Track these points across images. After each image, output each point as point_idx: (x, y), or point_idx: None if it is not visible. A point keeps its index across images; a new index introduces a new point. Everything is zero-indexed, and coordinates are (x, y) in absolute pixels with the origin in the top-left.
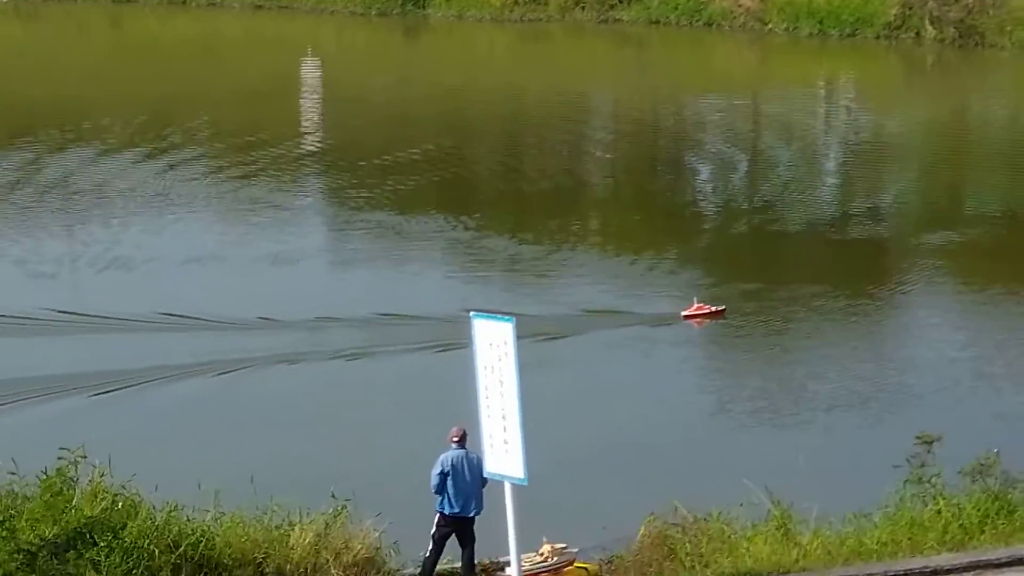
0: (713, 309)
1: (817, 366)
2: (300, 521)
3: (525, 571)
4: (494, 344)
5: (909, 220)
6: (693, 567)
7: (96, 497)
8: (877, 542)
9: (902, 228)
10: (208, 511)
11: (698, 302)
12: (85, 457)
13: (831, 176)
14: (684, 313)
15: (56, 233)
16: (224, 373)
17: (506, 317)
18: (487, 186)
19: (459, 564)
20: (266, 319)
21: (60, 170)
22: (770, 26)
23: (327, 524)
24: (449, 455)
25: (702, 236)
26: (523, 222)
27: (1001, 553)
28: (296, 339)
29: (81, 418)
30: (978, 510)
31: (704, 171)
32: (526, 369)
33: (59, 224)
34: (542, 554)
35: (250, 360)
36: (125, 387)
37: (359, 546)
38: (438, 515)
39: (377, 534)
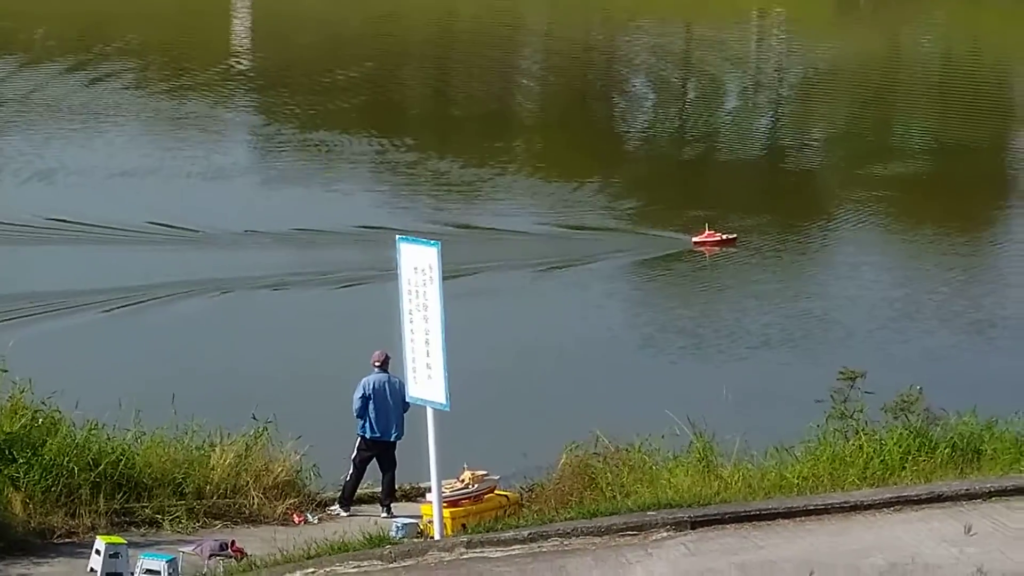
0: (724, 237)
1: (746, 301)
2: (221, 442)
3: (446, 497)
4: (419, 268)
5: (840, 154)
6: (614, 497)
7: (16, 413)
8: (798, 476)
9: (833, 162)
10: (129, 430)
11: (709, 229)
12: (6, 371)
13: (763, 108)
14: (695, 240)
15: None
16: (146, 294)
17: (432, 241)
18: (421, 107)
19: (379, 488)
20: (194, 231)
21: None
22: None
23: (247, 446)
24: (371, 379)
25: (631, 164)
26: (457, 145)
27: (921, 489)
28: (219, 258)
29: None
30: (900, 446)
31: (637, 102)
32: (457, 297)
33: None
34: (463, 480)
35: (174, 283)
36: (47, 308)
37: (279, 468)
38: (359, 439)
39: (298, 457)
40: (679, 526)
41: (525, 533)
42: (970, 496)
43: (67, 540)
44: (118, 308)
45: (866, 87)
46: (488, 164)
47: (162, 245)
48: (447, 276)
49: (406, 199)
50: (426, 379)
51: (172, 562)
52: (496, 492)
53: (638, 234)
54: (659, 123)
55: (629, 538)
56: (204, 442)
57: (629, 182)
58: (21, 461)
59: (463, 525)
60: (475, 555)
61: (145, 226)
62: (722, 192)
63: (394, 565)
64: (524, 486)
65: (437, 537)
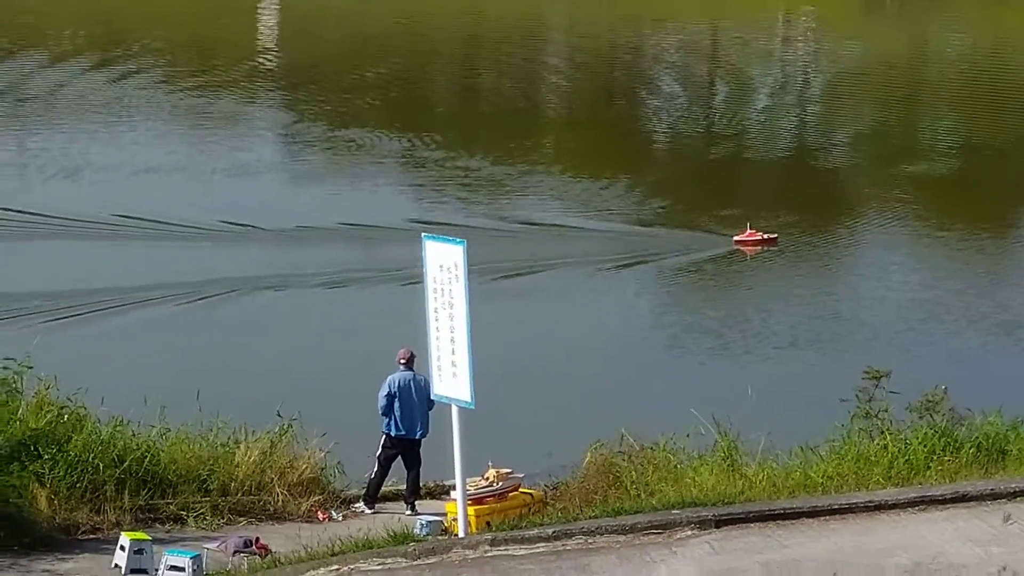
0: (765, 236)
1: (773, 301)
2: (245, 439)
3: (470, 495)
4: (445, 266)
5: (868, 154)
6: (638, 495)
7: (41, 409)
8: (823, 475)
9: (861, 162)
10: (154, 427)
11: (751, 228)
12: (31, 367)
13: (790, 108)
14: (736, 239)
15: (4, 139)
16: (174, 294)
17: (457, 240)
18: (449, 105)
19: (404, 486)
20: (227, 224)
21: (12, 76)
22: None
23: (272, 443)
24: (396, 377)
25: (659, 163)
26: (486, 142)
27: (946, 489)
28: (244, 256)
29: (27, 334)
30: (924, 446)
31: (664, 100)
32: (484, 295)
33: (8, 130)
34: (487, 478)
35: (201, 283)
36: (71, 306)
37: (304, 465)
38: (384, 436)
39: (322, 454)
40: (704, 525)
41: (549, 531)
42: (995, 496)
43: (92, 536)
44: (141, 305)
45: (893, 86)
46: (518, 162)
47: (185, 241)
48: (476, 274)
49: (435, 195)
50: (451, 377)
51: (196, 559)
52: (521, 490)
53: (673, 233)
54: (687, 122)
55: (653, 536)
56: (229, 439)
57: (659, 181)
58: (46, 457)
59: (488, 523)
60: (499, 553)
61: (165, 222)
62: (751, 192)
63: (418, 562)
64: (549, 484)
65: (461, 535)
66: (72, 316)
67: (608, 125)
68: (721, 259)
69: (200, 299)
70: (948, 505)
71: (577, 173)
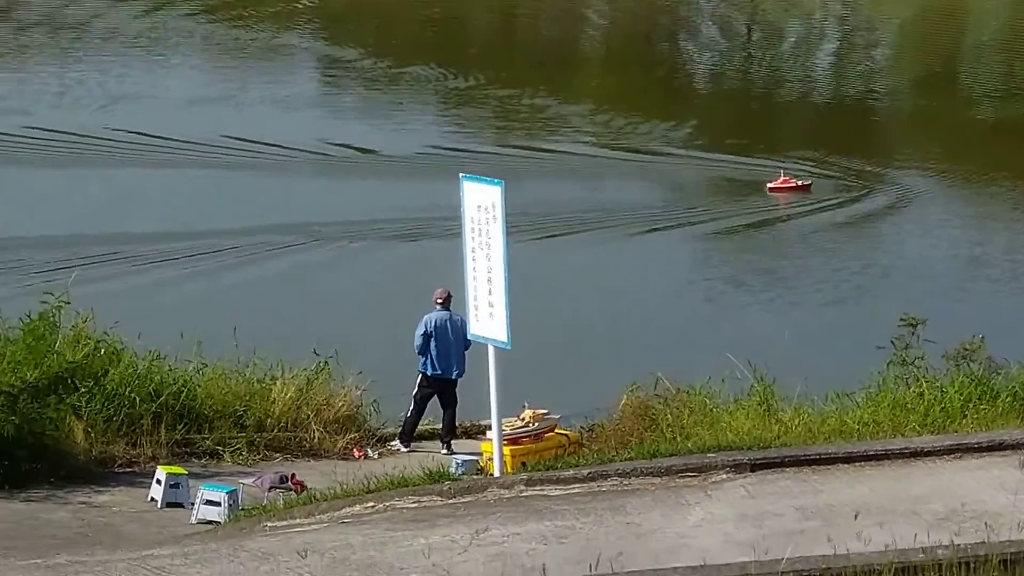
0: (799, 183)
1: (812, 249)
2: (282, 376)
3: (506, 435)
4: (482, 207)
5: (913, 104)
6: (674, 438)
7: (79, 343)
8: (859, 422)
9: (906, 112)
10: (190, 362)
11: (784, 175)
12: (68, 303)
13: (827, 56)
14: (770, 186)
15: (40, 71)
16: (214, 238)
17: (495, 180)
18: (487, 42)
19: (440, 425)
20: (269, 155)
21: (46, 6)
22: None
23: (309, 380)
24: (433, 316)
25: (702, 106)
26: (524, 81)
27: (982, 437)
28: (284, 195)
29: (66, 269)
30: (961, 394)
31: (702, 45)
32: (525, 239)
33: (45, 61)
34: (523, 419)
35: (242, 224)
36: (114, 254)
37: (340, 403)
38: (420, 375)
39: (359, 392)
40: (739, 468)
41: (585, 472)
42: None
43: (128, 470)
44: (177, 245)
45: (936, 35)
46: (559, 100)
47: (223, 173)
48: (517, 218)
49: (475, 136)
50: (488, 317)
51: (232, 493)
52: (556, 431)
53: (711, 181)
54: (726, 67)
55: (689, 479)
56: (265, 375)
57: (700, 125)
58: (83, 390)
59: (523, 463)
60: (534, 493)
61: (211, 152)
62: (791, 137)
63: (453, 501)
64: (584, 426)
65: (497, 474)
66: (109, 256)
67: (648, 67)
68: (759, 208)
69: (240, 238)
70: (984, 453)
71: (614, 113)
